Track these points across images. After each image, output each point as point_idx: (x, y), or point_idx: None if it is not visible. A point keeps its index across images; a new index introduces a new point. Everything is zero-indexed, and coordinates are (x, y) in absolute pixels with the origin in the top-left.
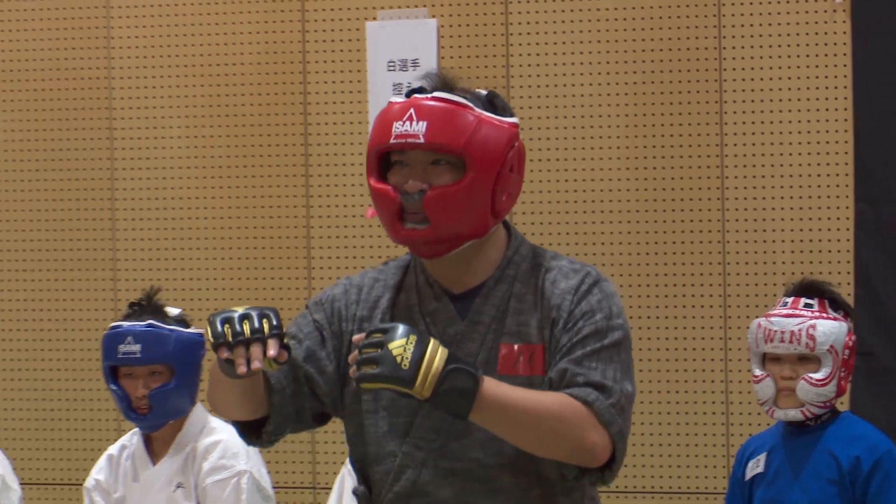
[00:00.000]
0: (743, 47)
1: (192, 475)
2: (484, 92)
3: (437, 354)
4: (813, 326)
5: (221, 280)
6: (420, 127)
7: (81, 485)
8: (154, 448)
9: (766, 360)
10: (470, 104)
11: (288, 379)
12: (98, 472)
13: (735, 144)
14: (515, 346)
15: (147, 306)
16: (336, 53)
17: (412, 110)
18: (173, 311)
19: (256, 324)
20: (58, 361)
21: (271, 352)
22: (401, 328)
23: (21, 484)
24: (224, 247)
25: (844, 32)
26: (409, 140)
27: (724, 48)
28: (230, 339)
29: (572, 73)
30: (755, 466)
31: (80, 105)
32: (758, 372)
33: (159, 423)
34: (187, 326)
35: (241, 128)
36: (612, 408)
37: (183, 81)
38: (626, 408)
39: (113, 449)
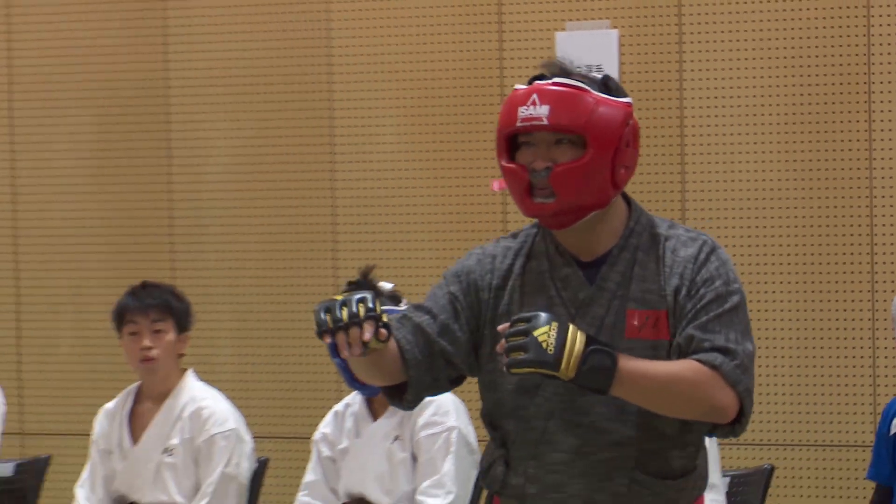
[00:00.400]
0: (890, 53)
1: (407, 429)
2: (599, 75)
3: (577, 338)
4: None
5: (430, 259)
6: (543, 110)
7: (309, 438)
8: (374, 407)
9: None
10: (587, 87)
11: (424, 354)
12: (325, 426)
13: (882, 140)
14: (641, 312)
15: (362, 283)
16: (529, 60)
17: (535, 95)
18: (386, 286)
19: (354, 309)
20: (286, 331)
21: (366, 335)
22: (543, 316)
23: (253, 437)
24: (432, 230)
25: None
26: (534, 122)
27: (874, 54)
28: (331, 325)
29: (738, 79)
30: None
31: (303, 106)
32: None
33: (377, 392)
34: (399, 301)
35: (446, 125)
36: (737, 368)
37: (395, 85)
38: (748, 367)
39: (339, 406)
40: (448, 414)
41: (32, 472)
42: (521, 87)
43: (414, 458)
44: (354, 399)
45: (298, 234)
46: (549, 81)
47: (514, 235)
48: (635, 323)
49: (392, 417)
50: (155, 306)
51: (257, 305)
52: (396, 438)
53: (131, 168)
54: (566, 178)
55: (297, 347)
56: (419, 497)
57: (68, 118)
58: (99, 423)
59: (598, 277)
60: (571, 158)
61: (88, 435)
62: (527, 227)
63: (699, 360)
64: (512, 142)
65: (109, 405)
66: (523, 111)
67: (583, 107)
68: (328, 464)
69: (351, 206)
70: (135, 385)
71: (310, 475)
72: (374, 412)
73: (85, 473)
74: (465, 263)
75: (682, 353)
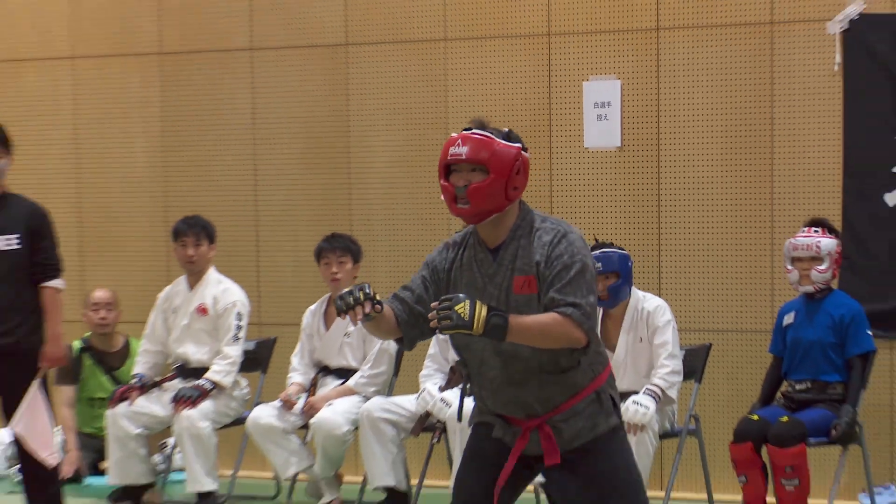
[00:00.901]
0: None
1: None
2: (505, 130)
3: (482, 309)
4: (819, 241)
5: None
6: (464, 150)
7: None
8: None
9: (793, 260)
10: (493, 136)
11: (408, 316)
12: None
13: (780, 118)
14: (522, 277)
15: None
16: (565, 101)
17: (459, 140)
18: None
19: (356, 294)
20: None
21: (366, 309)
22: (461, 296)
23: None
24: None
25: None
26: (457, 157)
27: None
28: (344, 307)
29: (697, 104)
30: (788, 319)
31: None
32: (788, 266)
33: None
34: None
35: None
36: (583, 315)
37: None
38: (591, 313)
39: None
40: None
41: (265, 348)
42: (454, 134)
43: None
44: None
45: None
46: (470, 132)
47: (462, 234)
48: (519, 284)
49: None
50: (339, 247)
51: (409, 247)
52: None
53: (321, 177)
54: (475, 193)
55: None
56: None
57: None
58: (305, 317)
59: (498, 257)
60: (480, 181)
61: (300, 324)
62: (467, 228)
63: (558, 313)
64: (447, 168)
65: (312, 306)
66: (453, 150)
67: (487, 148)
68: (443, 342)
69: (674, 201)
70: (327, 294)
71: (431, 349)
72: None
73: (297, 348)
74: (432, 256)
75: (547, 309)
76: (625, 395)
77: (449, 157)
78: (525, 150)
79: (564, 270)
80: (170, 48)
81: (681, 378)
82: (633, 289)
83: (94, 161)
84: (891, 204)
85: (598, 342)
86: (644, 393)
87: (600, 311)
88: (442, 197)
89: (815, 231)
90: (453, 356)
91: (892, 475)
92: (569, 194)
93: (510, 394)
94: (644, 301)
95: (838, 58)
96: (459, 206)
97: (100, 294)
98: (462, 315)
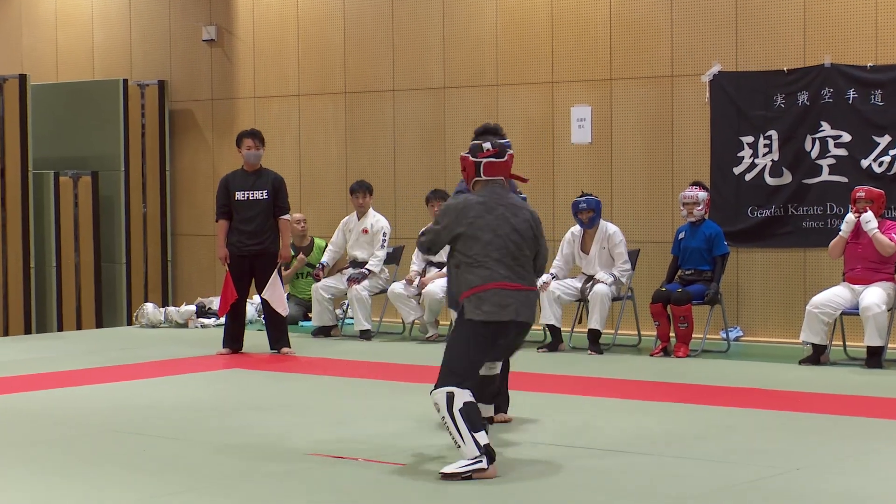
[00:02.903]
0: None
1: None
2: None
3: None
4: (698, 194)
5: None
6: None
7: None
8: None
9: (684, 204)
10: (468, 153)
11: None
12: None
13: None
14: None
15: None
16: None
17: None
18: None
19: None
20: None
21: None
22: None
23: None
24: None
25: None
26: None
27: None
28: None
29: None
30: (681, 235)
31: None
32: (681, 207)
33: None
34: None
35: None
36: (422, 237)
37: None
38: (427, 232)
39: None
40: None
41: (398, 251)
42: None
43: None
44: None
45: None
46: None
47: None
48: None
49: None
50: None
51: None
52: None
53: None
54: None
55: None
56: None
57: None
58: (342, 222)
59: None
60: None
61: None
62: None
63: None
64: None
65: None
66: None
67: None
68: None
69: None
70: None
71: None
72: None
73: (415, 252)
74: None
75: None
76: (592, 277)
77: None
78: (474, 153)
79: (434, 221)
80: None
81: (630, 272)
82: (602, 219)
83: (308, 147)
84: (736, 173)
85: (466, 262)
86: (608, 274)
87: (583, 232)
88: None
89: (696, 188)
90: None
91: (738, 320)
92: (564, 168)
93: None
94: (607, 226)
95: (707, 95)
96: None
97: (298, 216)
98: None
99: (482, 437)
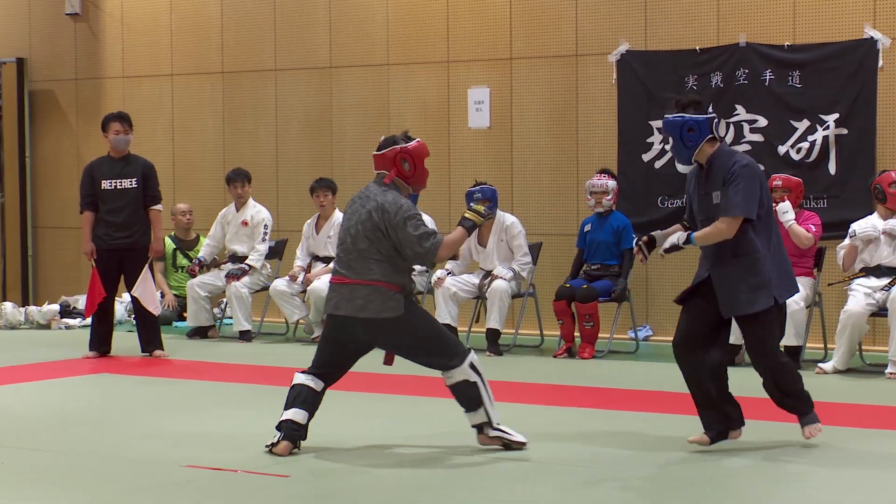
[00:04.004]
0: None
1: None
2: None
3: None
4: (606, 182)
5: None
6: None
7: None
8: None
9: (591, 193)
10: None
11: None
12: None
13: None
14: None
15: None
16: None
17: None
18: None
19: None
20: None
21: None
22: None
23: None
24: None
25: None
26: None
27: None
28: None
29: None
30: (587, 227)
31: None
32: (588, 196)
33: None
34: None
35: None
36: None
37: None
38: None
39: None
40: None
41: (281, 245)
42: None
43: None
44: None
45: None
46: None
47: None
48: None
49: None
50: (324, 186)
51: None
52: None
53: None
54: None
55: None
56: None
57: None
58: (305, 225)
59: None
60: None
61: (301, 230)
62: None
63: None
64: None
65: (309, 220)
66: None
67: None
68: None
69: None
70: (317, 213)
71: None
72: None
73: (300, 245)
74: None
75: None
76: (490, 272)
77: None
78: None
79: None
80: None
81: (531, 266)
82: (498, 210)
83: (182, 132)
84: (646, 161)
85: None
86: (507, 269)
87: None
88: (420, 174)
89: (604, 176)
90: None
91: (647, 319)
92: (460, 155)
93: None
94: (504, 217)
95: (614, 76)
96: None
97: (183, 206)
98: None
99: (292, 413)
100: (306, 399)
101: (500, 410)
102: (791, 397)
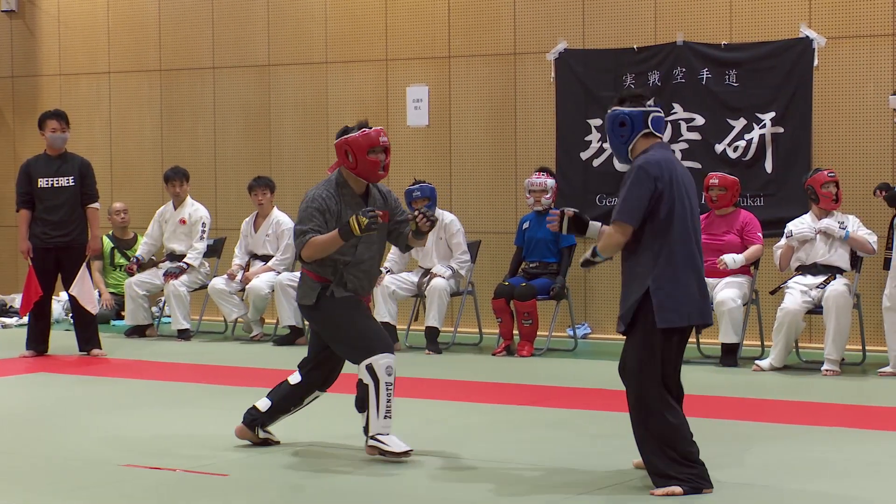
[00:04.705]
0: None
1: None
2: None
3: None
4: (545, 181)
5: None
6: (385, 139)
7: None
8: None
9: (530, 191)
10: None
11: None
12: None
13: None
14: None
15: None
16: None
17: (382, 133)
18: None
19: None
20: None
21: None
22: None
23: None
24: None
25: None
26: (385, 143)
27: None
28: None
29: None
30: (526, 225)
31: None
32: (527, 195)
33: None
34: None
35: None
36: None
37: None
38: (298, 236)
39: None
40: None
41: (219, 243)
42: (376, 128)
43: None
44: None
45: None
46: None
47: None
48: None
49: None
50: (262, 184)
51: None
52: None
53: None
54: (388, 166)
55: None
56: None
57: None
58: (243, 224)
59: (368, 202)
60: (388, 160)
61: (240, 228)
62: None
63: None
64: (373, 148)
65: (248, 218)
66: (382, 138)
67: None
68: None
69: None
70: (255, 211)
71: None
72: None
73: (238, 243)
74: (326, 202)
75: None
76: (429, 270)
77: (381, 141)
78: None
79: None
80: None
81: (470, 264)
82: (437, 208)
83: (120, 130)
84: (584, 158)
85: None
86: (445, 267)
87: None
88: (364, 166)
89: (543, 174)
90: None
91: (585, 317)
92: (398, 153)
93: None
94: (443, 215)
95: (553, 74)
96: (381, 173)
97: (119, 205)
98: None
99: (259, 401)
100: (277, 389)
101: (439, 409)
102: (640, 446)
